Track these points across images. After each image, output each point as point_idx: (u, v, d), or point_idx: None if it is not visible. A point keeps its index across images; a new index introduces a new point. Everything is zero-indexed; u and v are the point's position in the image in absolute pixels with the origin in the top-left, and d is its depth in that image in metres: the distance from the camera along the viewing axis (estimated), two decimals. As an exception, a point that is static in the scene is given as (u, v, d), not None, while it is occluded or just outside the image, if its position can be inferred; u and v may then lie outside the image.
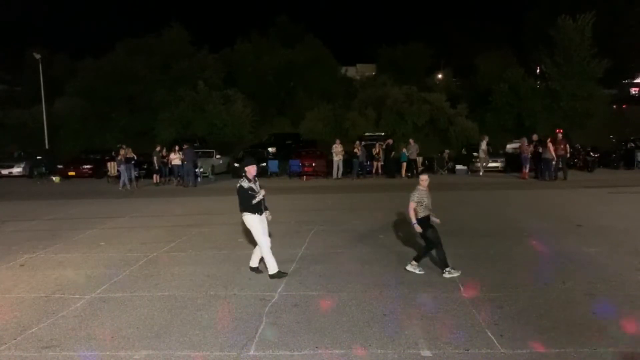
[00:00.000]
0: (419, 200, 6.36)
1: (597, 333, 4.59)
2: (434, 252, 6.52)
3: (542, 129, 25.23)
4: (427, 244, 6.51)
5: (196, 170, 19.32)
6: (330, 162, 20.64)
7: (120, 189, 17.56)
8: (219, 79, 33.74)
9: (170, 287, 6.21)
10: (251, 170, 6.53)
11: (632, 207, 11.66)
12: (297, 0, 67.34)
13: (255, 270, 6.76)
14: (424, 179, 6.51)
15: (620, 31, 32.70)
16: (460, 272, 6.36)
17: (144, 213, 12.33)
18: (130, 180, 18.00)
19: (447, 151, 22.79)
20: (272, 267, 6.48)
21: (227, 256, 7.65)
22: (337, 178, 19.93)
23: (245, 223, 6.56)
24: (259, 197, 6.42)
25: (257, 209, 6.46)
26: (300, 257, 7.54)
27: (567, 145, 18.31)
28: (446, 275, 6.32)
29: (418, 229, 6.40)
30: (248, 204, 6.40)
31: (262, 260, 6.67)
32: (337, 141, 20.44)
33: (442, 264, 6.41)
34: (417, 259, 6.63)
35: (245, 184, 6.43)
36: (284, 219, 10.48)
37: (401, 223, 10.09)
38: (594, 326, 4.76)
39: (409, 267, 6.59)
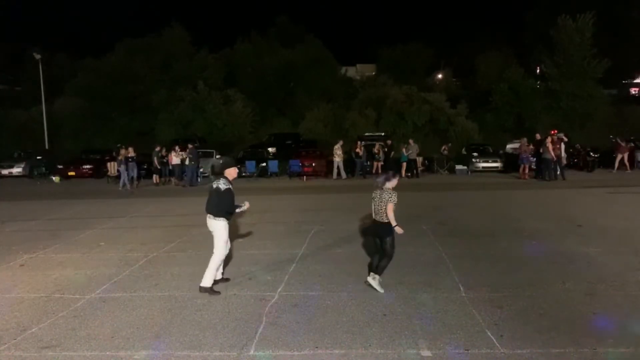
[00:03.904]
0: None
1: (597, 333, 4.59)
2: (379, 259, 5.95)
3: (542, 129, 25.24)
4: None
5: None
6: (330, 162, 20.64)
7: (120, 189, 17.55)
8: (219, 79, 33.76)
9: (170, 287, 6.21)
10: (232, 172, 6.01)
11: (632, 207, 11.66)
12: (297, 0, 67.34)
13: (224, 280, 6.34)
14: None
15: (620, 31, 32.70)
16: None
17: (144, 213, 12.32)
18: (132, 180, 17.99)
19: (445, 146, 22.66)
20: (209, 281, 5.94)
21: (227, 256, 7.62)
22: (344, 178, 19.83)
23: (216, 227, 5.95)
24: (244, 207, 6.01)
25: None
26: (300, 257, 7.54)
27: (562, 144, 18.46)
28: (370, 279, 5.90)
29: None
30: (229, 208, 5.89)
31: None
32: (340, 142, 20.39)
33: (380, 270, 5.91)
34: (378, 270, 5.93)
35: (224, 185, 5.81)
36: (283, 219, 10.45)
37: (400, 223, 10.07)
38: (594, 326, 4.76)
39: (370, 281, 5.91)
